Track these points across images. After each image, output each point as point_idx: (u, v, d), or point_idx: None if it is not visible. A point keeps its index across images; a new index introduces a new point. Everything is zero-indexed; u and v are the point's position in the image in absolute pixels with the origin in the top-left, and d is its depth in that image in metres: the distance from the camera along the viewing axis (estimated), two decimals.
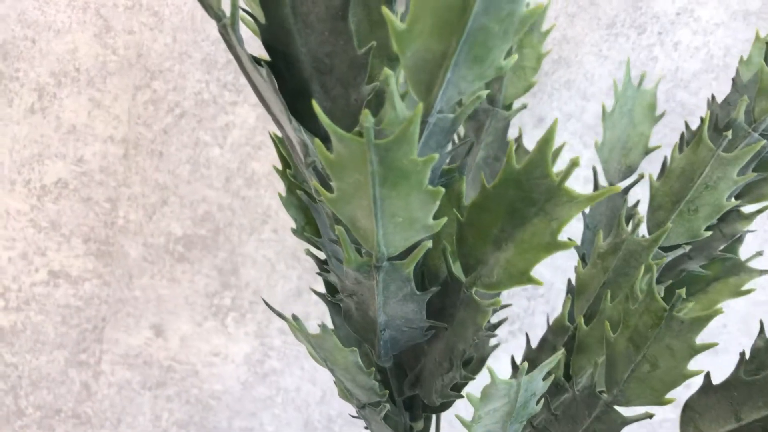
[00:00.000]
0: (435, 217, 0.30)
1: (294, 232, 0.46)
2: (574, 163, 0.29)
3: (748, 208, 0.48)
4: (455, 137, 0.56)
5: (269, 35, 0.29)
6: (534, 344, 0.51)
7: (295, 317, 0.32)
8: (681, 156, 0.47)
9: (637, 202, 0.51)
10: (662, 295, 0.48)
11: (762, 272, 0.48)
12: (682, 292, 0.37)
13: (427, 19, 0.24)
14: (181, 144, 0.66)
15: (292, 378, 0.78)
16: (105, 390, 0.76)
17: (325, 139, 0.31)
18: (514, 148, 0.51)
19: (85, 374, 0.75)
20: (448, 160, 0.36)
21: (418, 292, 0.32)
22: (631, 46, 0.68)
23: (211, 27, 0.62)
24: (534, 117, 0.69)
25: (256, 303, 0.74)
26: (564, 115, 0.70)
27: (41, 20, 0.60)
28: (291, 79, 0.30)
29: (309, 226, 0.47)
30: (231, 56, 0.63)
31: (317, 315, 0.74)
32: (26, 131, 0.64)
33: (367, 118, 0.25)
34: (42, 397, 0.75)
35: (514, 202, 0.31)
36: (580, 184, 0.73)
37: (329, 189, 0.29)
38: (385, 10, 0.24)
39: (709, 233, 0.46)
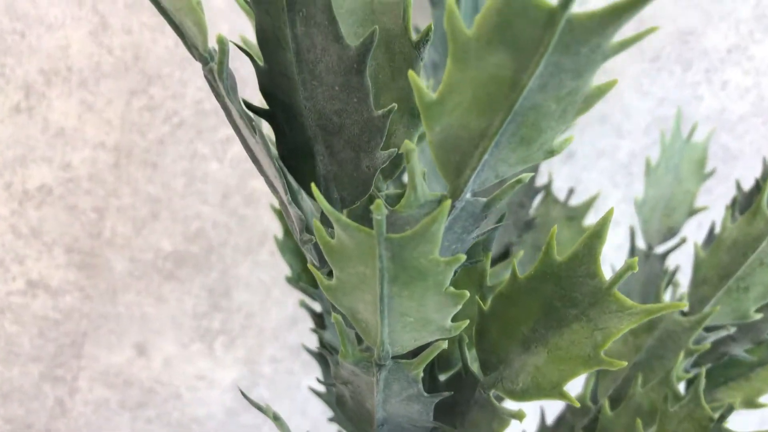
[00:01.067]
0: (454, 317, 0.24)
1: (288, 280, 0.41)
2: (630, 267, 0.24)
3: None
4: None
5: (268, 81, 0.24)
6: (549, 420, 0.45)
7: (275, 416, 0.27)
8: (733, 226, 0.41)
9: (677, 269, 0.45)
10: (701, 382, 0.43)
11: None
12: (735, 402, 0.31)
13: (466, 92, 0.19)
14: (177, 155, 0.60)
15: (281, 408, 0.73)
16: (80, 407, 0.71)
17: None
18: (540, 197, 0.45)
19: (61, 390, 0.70)
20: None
21: (425, 394, 0.27)
22: (675, 83, 0.62)
23: (218, 31, 0.57)
24: (563, 152, 0.63)
25: (248, 327, 0.69)
26: (596, 152, 0.64)
27: (32, 13, 0.55)
28: (291, 133, 0.25)
29: (305, 274, 0.42)
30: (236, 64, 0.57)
31: (312, 345, 0.69)
32: (10, 131, 0.58)
33: (379, 210, 0.19)
34: (13, 411, 0.70)
35: (552, 299, 0.26)
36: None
37: (326, 265, 0.24)
38: (412, 75, 0.19)
39: (759, 315, 0.40)
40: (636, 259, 0.23)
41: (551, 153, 0.21)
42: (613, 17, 0.16)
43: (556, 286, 0.25)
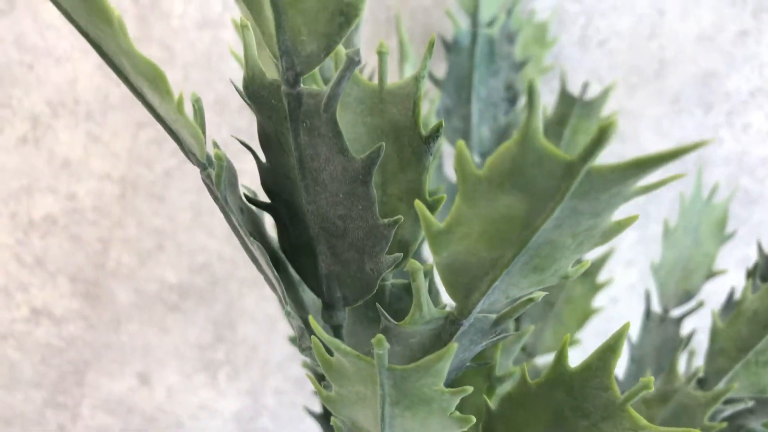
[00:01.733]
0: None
1: (291, 340, 0.40)
2: (645, 386, 0.23)
3: None
4: None
5: (270, 179, 0.23)
6: None
7: None
8: (754, 296, 0.39)
9: (692, 333, 0.44)
10: None
11: None
12: None
13: (475, 226, 0.17)
14: (183, 188, 0.60)
15: None
16: None
17: (329, 306, 0.25)
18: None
19: (63, 416, 0.69)
20: None
21: None
22: (695, 125, 0.60)
23: (227, 66, 0.56)
24: None
25: (252, 359, 0.68)
26: None
27: (40, 45, 0.54)
28: (293, 230, 0.23)
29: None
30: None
31: None
32: (16, 162, 0.58)
33: (380, 344, 0.18)
34: None
35: (563, 408, 0.24)
36: (620, 266, 0.66)
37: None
38: (418, 204, 0.18)
39: None
40: (651, 379, 0.22)
41: (566, 278, 0.20)
42: (636, 170, 0.15)
43: (568, 395, 0.24)
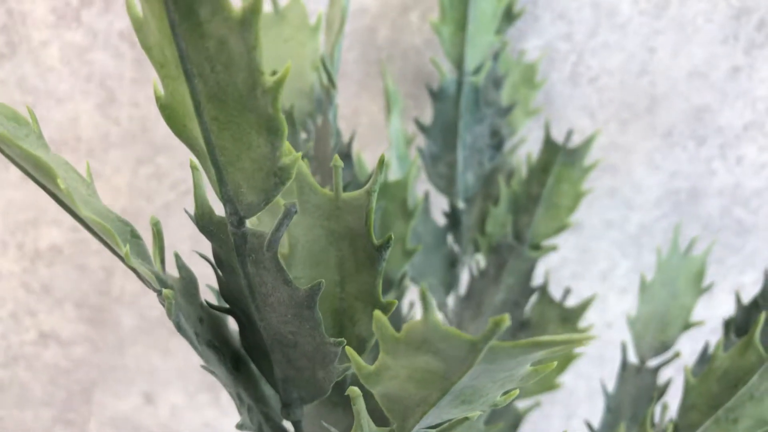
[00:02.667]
0: None
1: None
2: None
3: None
4: (474, 268, 0.50)
5: (227, 291, 0.24)
6: None
7: None
8: (725, 355, 0.40)
9: (668, 383, 0.44)
10: None
11: None
12: None
13: (401, 372, 0.19)
14: (183, 220, 0.61)
15: None
16: None
17: (286, 405, 0.26)
18: (536, 297, 0.44)
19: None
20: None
21: None
22: (688, 157, 0.60)
23: None
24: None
25: None
26: (604, 223, 0.63)
27: (41, 87, 0.55)
28: (251, 335, 0.25)
29: None
30: None
31: None
32: (22, 196, 0.60)
33: None
34: None
35: None
36: (614, 293, 0.67)
37: None
38: (349, 350, 0.19)
39: None
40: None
41: (495, 406, 0.21)
42: (534, 348, 0.16)
43: None
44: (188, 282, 0.23)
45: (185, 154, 0.59)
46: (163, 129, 0.57)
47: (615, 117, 0.58)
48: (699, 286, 0.44)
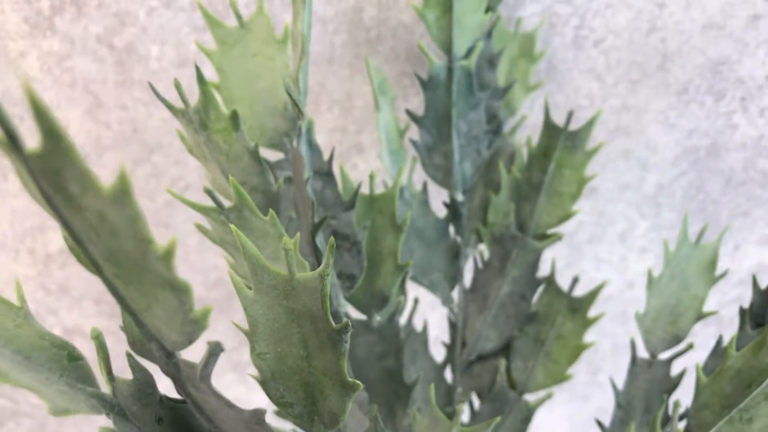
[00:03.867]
0: None
1: None
2: None
3: None
4: (478, 259, 0.49)
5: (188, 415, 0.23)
6: None
7: None
8: (738, 355, 0.38)
9: (683, 374, 0.43)
10: None
11: None
12: None
13: None
14: (187, 216, 0.61)
15: None
16: None
17: None
18: (543, 288, 0.43)
19: None
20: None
21: None
22: (706, 113, 0.57)
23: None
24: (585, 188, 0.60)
25: None
26: (619, 186, 0.60)
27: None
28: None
29: None
30: None
31: None
32: (24, 204, 0.60)
33: None
34: None
35: None
36: (634, 253, 0.65)
37: None
38: None
39: None
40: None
41: None
42: None
43: None
44: (143, 383, 0.22)
45: (180, 151, 0.57)
46: (153, 129, 0.56)
47: (624, 78, 0.55)
48: (712, 275, 0.42)
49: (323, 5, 0.51)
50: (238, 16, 0.38)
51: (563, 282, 0.60)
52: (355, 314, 0.43)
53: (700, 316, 0.42)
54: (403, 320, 0.48)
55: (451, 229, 0.49)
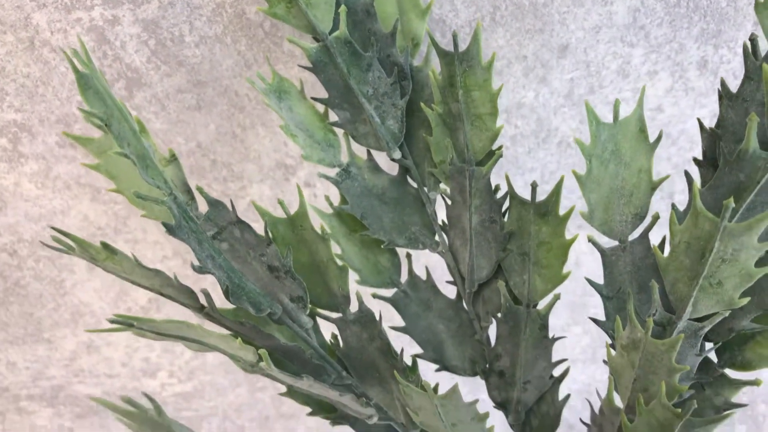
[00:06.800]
0: None
1: None
2: None
3: None
4: (444, 197, 0.49)
5: None
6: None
7: None
8: (682, 228, 0.37)
9: (664, 240, 0.41)
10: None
11: None
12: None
13: None
14: None
15: None
16: None
17: None
18: (508, 204, 0.44)
19: (262, 395, 0.86)
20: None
21: None
22: None
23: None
24: (553, 48, 0.56)
25: None
26: (590, 30, 0.56)
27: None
28: None
29: None
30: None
31: None
32: (101, 276, 0.69)
33: None
34: None
35: None
36: (642, 82, 0.60)
37: None
38: None
39: (746, 300, 0.37)
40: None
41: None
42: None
43: None
44: None
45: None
46: None
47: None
48: (647, 143, 0.39)
49: (209, 23, 0.51)
50: None
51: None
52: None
53: (654, 187, 0.40)
54: (404, 277, 0.51)
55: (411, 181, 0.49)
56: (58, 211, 0.62)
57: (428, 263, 0.65)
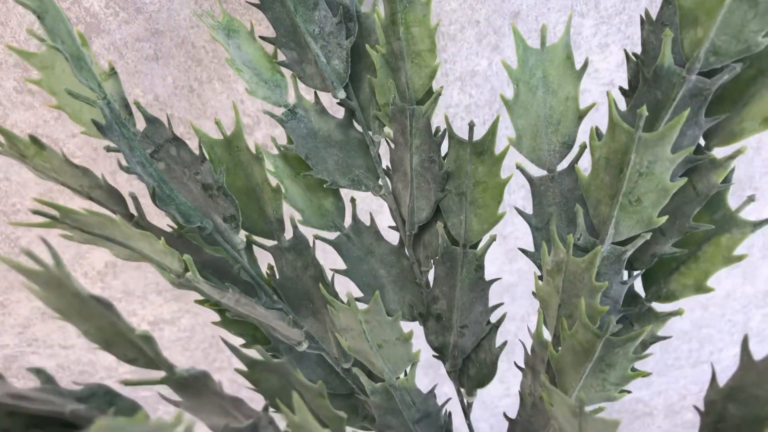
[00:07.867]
0: None
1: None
2: None
3: (721, 153, 0.38)
4: (388, 141, 0.50)
5: None
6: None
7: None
8: (601, 144, 0.38)
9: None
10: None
11: (756, 225, 0.38)
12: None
13: None
14: None
15: None
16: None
17: None
18: (448, 145, 0.44)
19: (220, 375, 0.86)
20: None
21: None
22: None
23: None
24: (505, 14, 0.58)
25: None
26: None
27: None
28: None
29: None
30: None
31: None
32: (56, 242, 0.69)
33: None
34: None
35: None
36: (595, 49, 0.61)
37: None
38: None
39: (664, 218, 0.38)
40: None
41: None
42: None
43: None
44: None
45: None
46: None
47: None
48: (574, 70, 0.40)
49: None
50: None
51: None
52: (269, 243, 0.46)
53: (581, 115, 0.41)
54: (347, 221, 0.51)
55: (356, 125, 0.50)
56: (13, 161, 0.63)
57: (372, 210, 0.66)
